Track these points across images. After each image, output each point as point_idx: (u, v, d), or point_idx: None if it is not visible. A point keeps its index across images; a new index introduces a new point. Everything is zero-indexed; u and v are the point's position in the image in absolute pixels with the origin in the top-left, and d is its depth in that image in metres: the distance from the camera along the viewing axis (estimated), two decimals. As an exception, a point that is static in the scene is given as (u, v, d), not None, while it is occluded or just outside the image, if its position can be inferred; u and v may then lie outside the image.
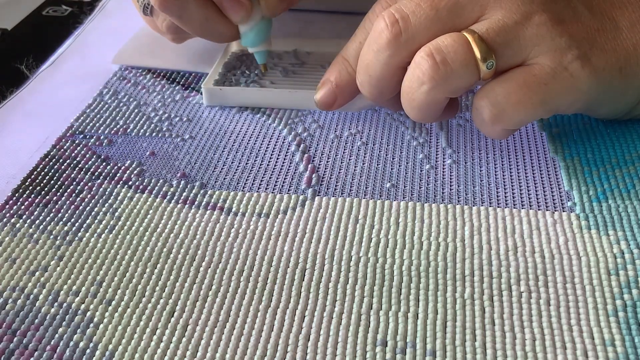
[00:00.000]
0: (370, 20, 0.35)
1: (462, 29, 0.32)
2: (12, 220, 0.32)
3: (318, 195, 0.33)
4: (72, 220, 0.32)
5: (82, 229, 0.31)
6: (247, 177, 0.35)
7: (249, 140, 0.38)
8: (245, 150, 0.37)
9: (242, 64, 0.44)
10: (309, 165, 0.36)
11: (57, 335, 0.26)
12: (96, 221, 0.32)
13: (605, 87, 0.32)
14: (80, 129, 0.38)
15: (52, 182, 0.34)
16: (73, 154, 0.36)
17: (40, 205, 0.33)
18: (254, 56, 0.41)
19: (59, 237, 0.31)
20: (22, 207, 0.33)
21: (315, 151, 0.37)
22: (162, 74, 0.44)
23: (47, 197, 0.33)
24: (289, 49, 0.46)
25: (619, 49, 0.32)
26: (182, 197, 0.33)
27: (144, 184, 0.34)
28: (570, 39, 0.31)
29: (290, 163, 0.36)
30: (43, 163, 0.36)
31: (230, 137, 0.38)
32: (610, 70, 0.32)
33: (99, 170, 0.35)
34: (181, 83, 0.43)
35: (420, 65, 0.31)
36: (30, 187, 0.34)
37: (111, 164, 0.36)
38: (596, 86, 0.32)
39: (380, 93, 0.35)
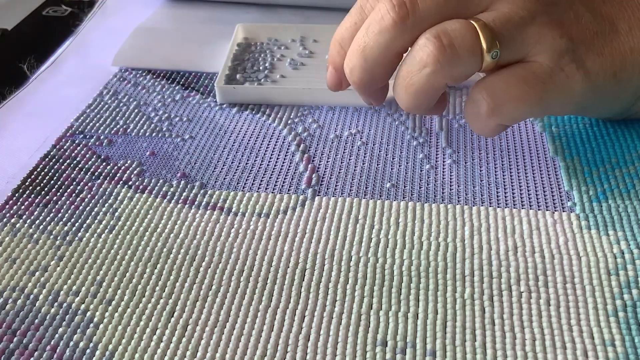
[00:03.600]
0: (367, 0, 0.33)
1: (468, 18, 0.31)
2: (12, 220, 0.32)
3: (318, 195, 0.33)
4: (72, 220, 0.32)
5: (82, 229, 0.31)
6: (247, 177, 0.35)
7: (249, 140, 0.38)
8: (245, 150, 0.37)
9: (250, 55, 0.44)
10: (309, 165, 0.36)
11: (57, 335, 0.26)
12: (96, 221, 0.32)
13: (598, 90, 0.32)
14: (80, 129, 0.38)
15: (52, 182, 0.34)
16: (73, 154, 0.36)
17: (40, 205, 0.33)
18: None
19: (59, 237, 0.31)
20: (22, 207, 0.33)
21: (315, 151, 0.37)
22: (162, 74, 0.44)
23: (47, 197, 0.33)
24: (296, 37, 0.46)
25: (615, 53, 0.32)
26: (182, 197, 0.33)
27: (144, 184, 0.34)
28: (569, 41, 0.31)
29: (290, 163, 0.36)
30: (43, 163, 0.36)
31: (230, 137, 0.38)
32: (604, 74, 0.32)
33: (99, 170, 0.35)
34: (181, 83, 0.43)
35: (424, 47, 0.30)
36: (30, 187, 0.34)
37: (111, 164, 0.36)
38: (589, 89, 0.32)
39: (371, 79, 0.33)
